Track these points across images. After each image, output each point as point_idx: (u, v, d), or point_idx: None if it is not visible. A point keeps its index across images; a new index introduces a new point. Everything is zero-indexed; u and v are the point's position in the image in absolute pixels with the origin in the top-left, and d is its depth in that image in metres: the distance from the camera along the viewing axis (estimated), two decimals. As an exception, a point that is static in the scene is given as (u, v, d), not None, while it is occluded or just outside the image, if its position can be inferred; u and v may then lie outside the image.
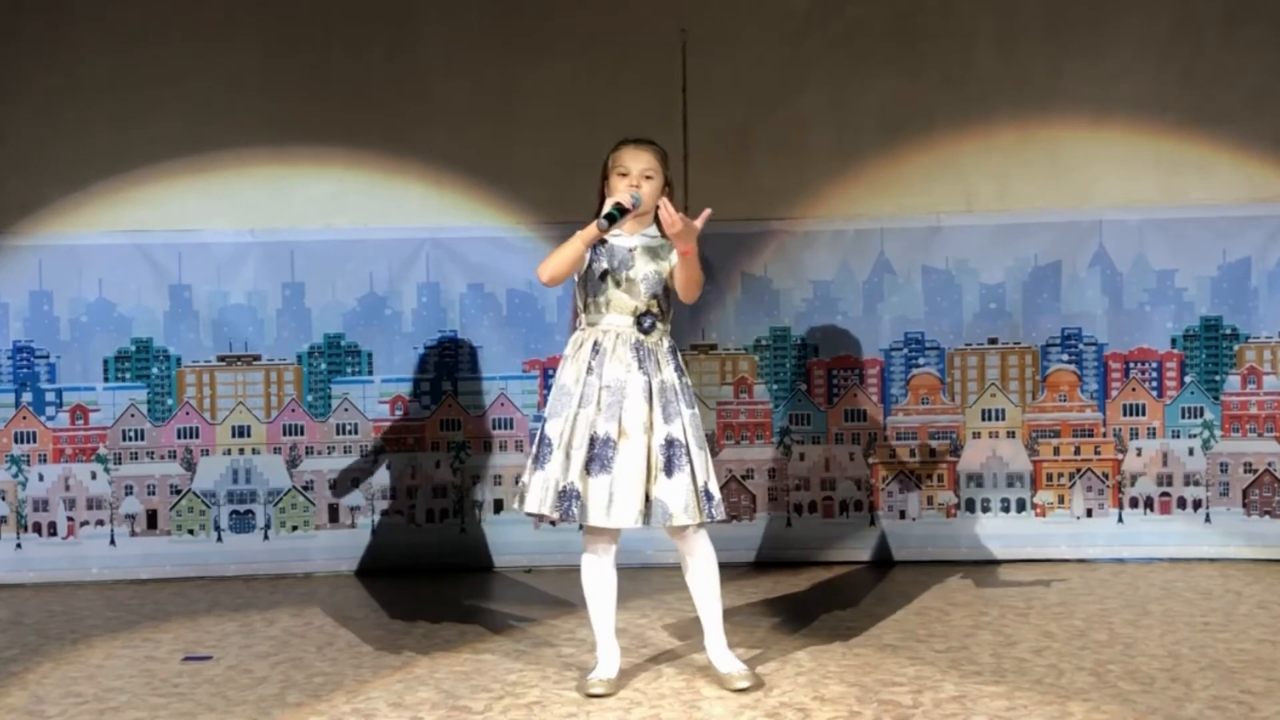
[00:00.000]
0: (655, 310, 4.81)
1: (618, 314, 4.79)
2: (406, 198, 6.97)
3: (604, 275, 4.77)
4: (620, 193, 4.73)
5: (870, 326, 6.96)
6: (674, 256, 4.74)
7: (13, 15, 6.89)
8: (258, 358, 6.95)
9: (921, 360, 6.96)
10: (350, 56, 6.95)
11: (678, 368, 4.83)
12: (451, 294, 6.97)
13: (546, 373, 6.97)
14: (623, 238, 4.80)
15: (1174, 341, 6.89)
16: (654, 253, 4.82)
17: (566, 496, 4.67)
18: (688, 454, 4.71)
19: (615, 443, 4.67)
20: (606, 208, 4.69)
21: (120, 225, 6.88)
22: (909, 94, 6.93)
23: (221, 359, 6.93)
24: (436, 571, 6.85)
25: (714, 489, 4.78)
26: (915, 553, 6.88)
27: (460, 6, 7.00)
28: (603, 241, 4.78)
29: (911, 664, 5.07)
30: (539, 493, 4.73)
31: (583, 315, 4.88)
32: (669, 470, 4.69)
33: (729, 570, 5.54)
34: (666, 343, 4.84)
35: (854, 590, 6.34)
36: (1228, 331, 6.86)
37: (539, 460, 4.76)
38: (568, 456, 4.70)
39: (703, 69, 6.86)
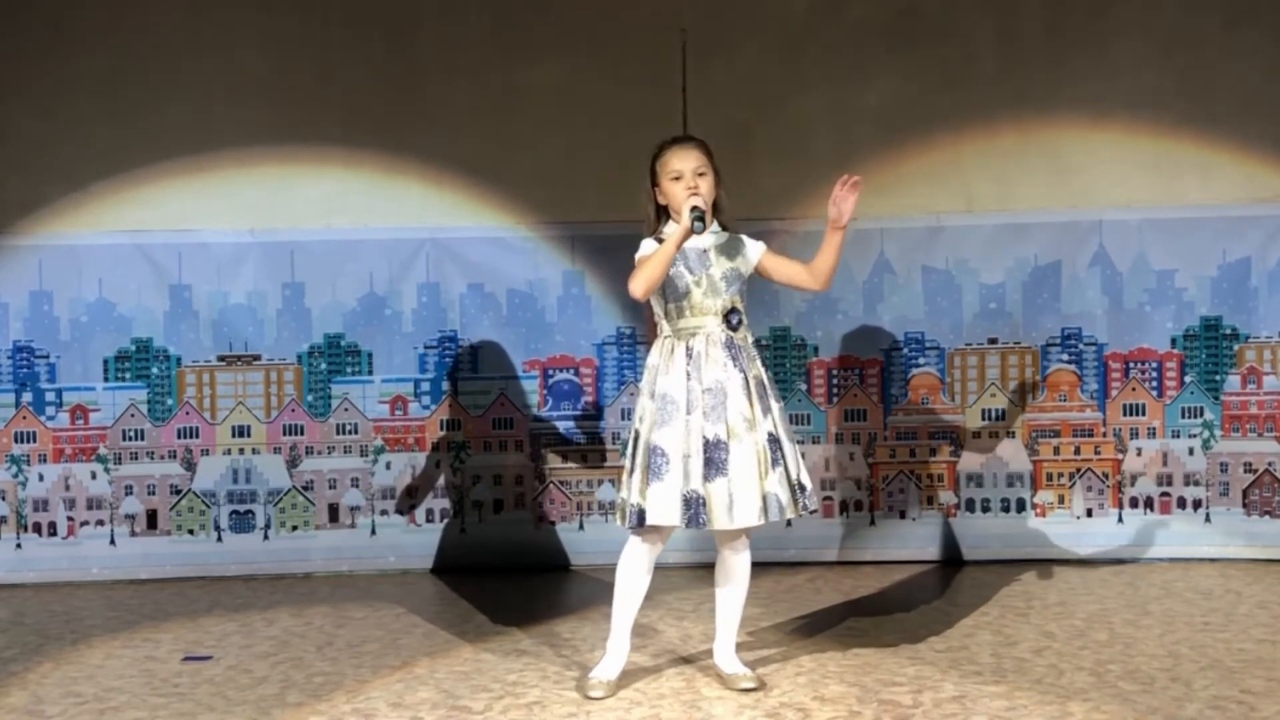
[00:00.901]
0: (739, 306, 4.82)
1: (704, 315, 4.78)
2: (406, 198, 6.96)
3: (687, 283, 4.76)
4: (692, 198, 4.69)
5: (870, 326, 6.96)
6: (751, 253, 4.84)
7: (13, 15, 6.89)
8: (258, 358, 6.94)
9: (921, 360, 6.96)
10: (350, 57, 6.95)
11: (763, 362, 4.86)
12: (451, 294, 6.97)
13: (546, 373, 6.97)
14: (693, 239, 4.76)
15: (1174, 341, 6.89)
16: (727, 249, 4.84)
17: (691, 503, 4.65)
18: (781, 448, 4.74)
19: (725, 444, 4.67)
20: (685, 216, 4.64)
21: (120, 225, 6.88)
22: (909, 95, 6.93)
23: (221, 359, 6.93)
24: (437, 571, 6.86)
25: (806, 479, 4.82)
26: (915, 552, 6.89)
27: (460, 6, 7.00)
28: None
29: (911, 664, 5.07)
30: (663, 504, 4.65)
31: (664, 322, 4.84)
32: (773, 464, 4.72)
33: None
34: (750, 338, 4.86)
35: (854, 590, 6.34)
36: (1228, 331, 6.86)
37: (654, 471, 4.67)
38: (686, 464, 4.68)
39: (703, 69, 6.86)
